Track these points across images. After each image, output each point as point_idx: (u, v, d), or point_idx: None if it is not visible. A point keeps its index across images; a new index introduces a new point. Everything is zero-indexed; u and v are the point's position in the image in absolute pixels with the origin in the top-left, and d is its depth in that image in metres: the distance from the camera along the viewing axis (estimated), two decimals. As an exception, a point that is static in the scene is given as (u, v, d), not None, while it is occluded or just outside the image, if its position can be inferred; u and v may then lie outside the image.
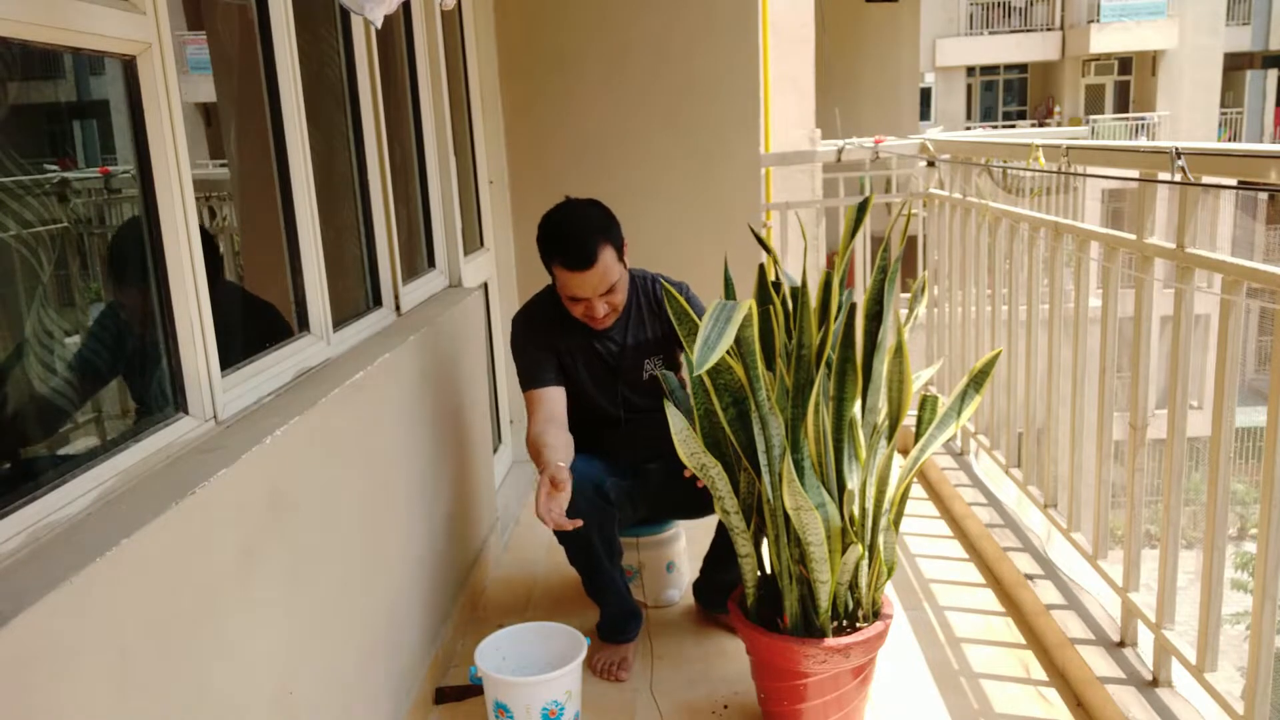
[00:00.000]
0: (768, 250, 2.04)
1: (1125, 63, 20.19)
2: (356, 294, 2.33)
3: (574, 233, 2.17)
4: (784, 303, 1.96)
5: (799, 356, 1.89)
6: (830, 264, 2.03)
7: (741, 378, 1.89)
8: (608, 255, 2.17)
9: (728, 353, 1.85)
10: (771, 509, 1.92)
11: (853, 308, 1.93)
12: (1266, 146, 1.78)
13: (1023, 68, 21.76)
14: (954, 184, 3.39)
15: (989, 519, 2.87)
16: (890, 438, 1.94)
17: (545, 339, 2.34)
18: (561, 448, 2.15)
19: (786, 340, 1.94)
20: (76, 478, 1.23)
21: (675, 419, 1.92)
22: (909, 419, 2.01)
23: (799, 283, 1.95)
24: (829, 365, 1.90)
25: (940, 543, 3.00)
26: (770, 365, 1.95)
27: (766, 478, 1.90)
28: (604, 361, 2.37)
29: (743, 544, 2.00)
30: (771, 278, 2.02)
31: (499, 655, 2.12)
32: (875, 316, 1.94)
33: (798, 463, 1.86)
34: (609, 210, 2.27)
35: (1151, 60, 19.12)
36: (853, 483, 1.92)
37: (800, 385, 1.89)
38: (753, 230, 2.26)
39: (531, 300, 2.43)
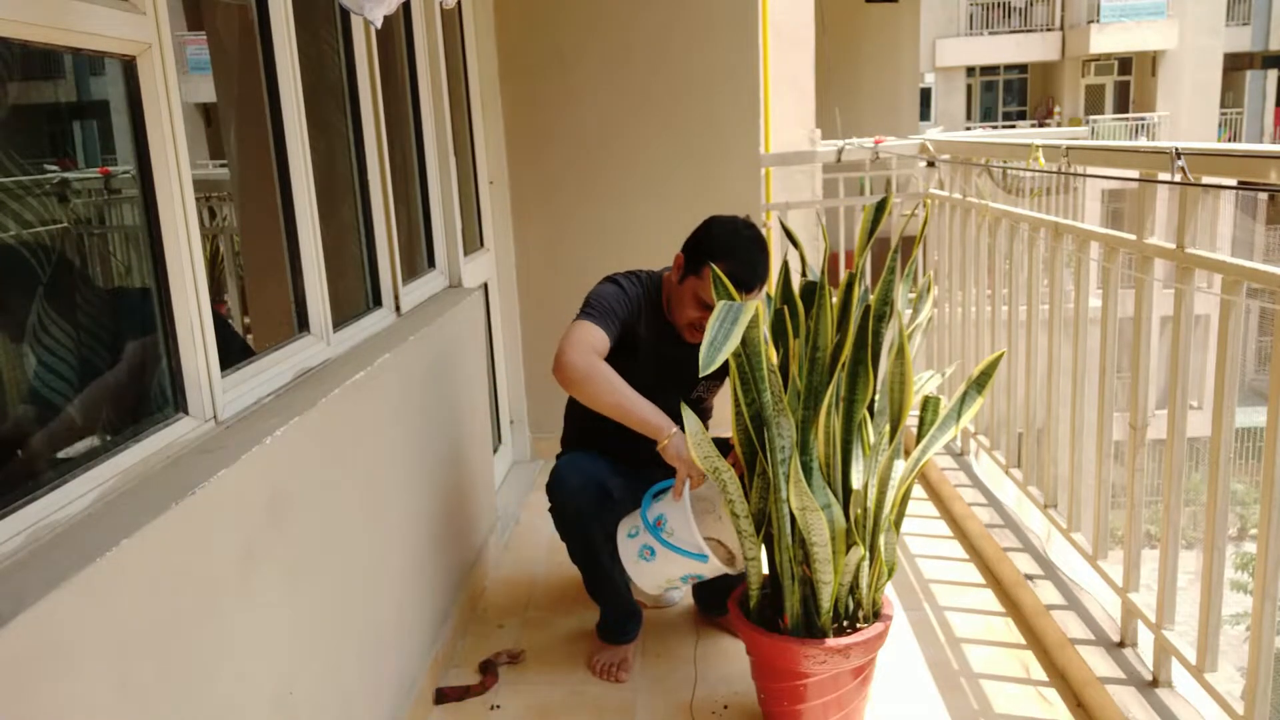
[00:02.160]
0: (796, 246, 2.04)
1: (1125, 63, 20.20)
2: (356, 294, 2.32)
3: (760, 255, 2.16)
4: (804, 304, 1.96)
5: (813, 359, 1.88)
6: (835, 265, 2.03)
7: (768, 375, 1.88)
8: None
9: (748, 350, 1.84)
10: (776, 509, 1.92)
11: (867, 309, 1.93)
12: (1266, 146, 1.78)
13: (1023, 68, 21.77)
14: (954, 184, 3.39)
15: (989, 519, 2.87)
16: (892, 439, 1.94)
17: (632, 311, 2.28)
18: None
19: (804, 340, 1.93)
20: (76, 478, 1.23)
21: (690, 421, 1.92)
22: (910, 420, 2.01)
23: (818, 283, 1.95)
24: (842, 367, 1.90)
25: (940, 543, 2.99)
26: (785, 366, 1.95)
27: (771, 478, 1.90)
28: (666, 367, 2.30)
29: (750, 547, 1.99)
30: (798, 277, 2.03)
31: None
32: (881, 317, 1.93)
33: (805, 464, 1.86)
34: None
35: (1151, 60, 19.13)
36: (858, 484, 1.92)
37: (813, 388, 1.88)
38: (784, 227, 2.24)
39: (633, 277, 2.36)
